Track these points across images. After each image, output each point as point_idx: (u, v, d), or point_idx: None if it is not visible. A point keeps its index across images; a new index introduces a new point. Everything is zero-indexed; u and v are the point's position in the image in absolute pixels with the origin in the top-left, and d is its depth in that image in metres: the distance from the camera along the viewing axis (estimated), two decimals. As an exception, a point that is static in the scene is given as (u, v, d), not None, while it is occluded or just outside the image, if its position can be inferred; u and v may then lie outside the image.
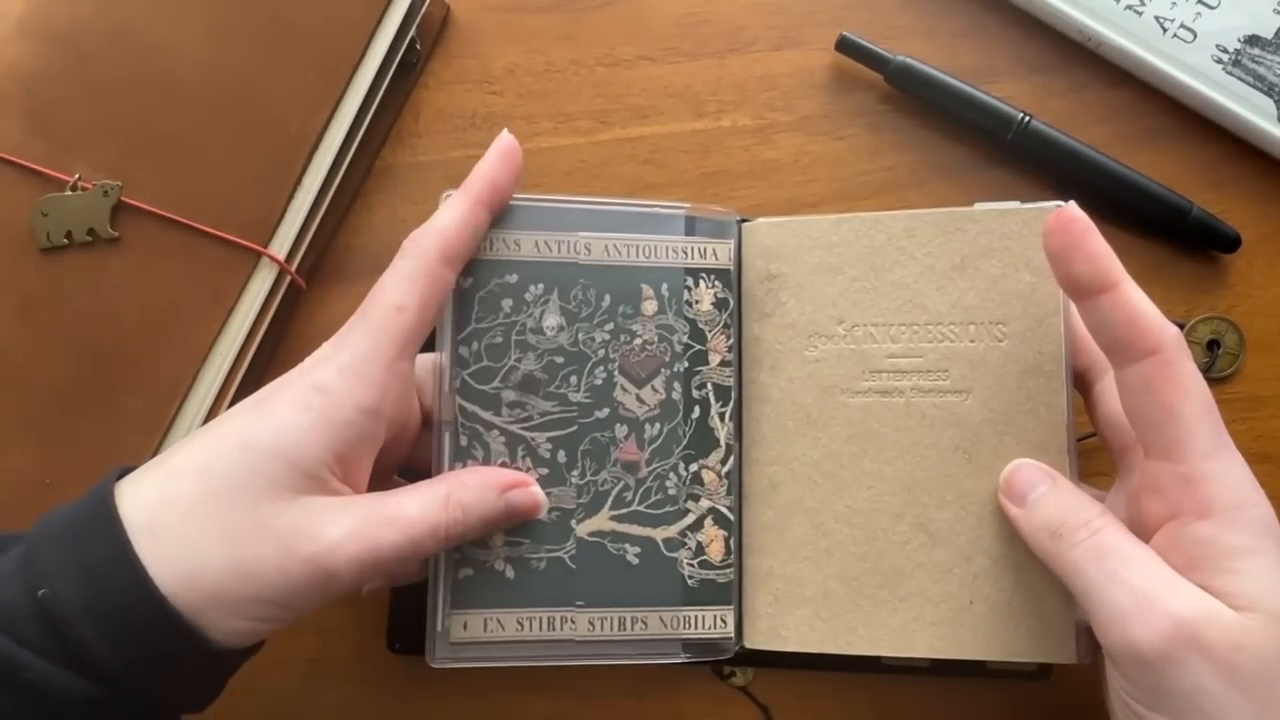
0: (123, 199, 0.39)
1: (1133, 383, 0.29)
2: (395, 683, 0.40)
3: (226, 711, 0.31)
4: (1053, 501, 0.31)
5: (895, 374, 0.35)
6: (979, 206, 0.35)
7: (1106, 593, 0.28)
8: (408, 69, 0.43)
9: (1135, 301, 0.29)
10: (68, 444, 0.39)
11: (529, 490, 0.33)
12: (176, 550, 0.27)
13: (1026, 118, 0.40)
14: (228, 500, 0.28)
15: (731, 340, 0.37)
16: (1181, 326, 0.39)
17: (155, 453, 0.38)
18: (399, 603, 0.39)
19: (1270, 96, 0.40)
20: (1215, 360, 0.40)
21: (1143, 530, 0.30)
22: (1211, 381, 0.40)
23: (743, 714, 0.39)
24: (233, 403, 0.40)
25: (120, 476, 0.29)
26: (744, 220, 0.38)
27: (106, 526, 0.28)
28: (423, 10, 0.43)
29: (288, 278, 0.41)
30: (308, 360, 0.31)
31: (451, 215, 0.33)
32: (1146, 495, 0.30)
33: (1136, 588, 0.28)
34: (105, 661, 0.26)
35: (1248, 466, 0.29)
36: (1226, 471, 0.28)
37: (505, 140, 0.34)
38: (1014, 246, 0.34)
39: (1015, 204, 0.35)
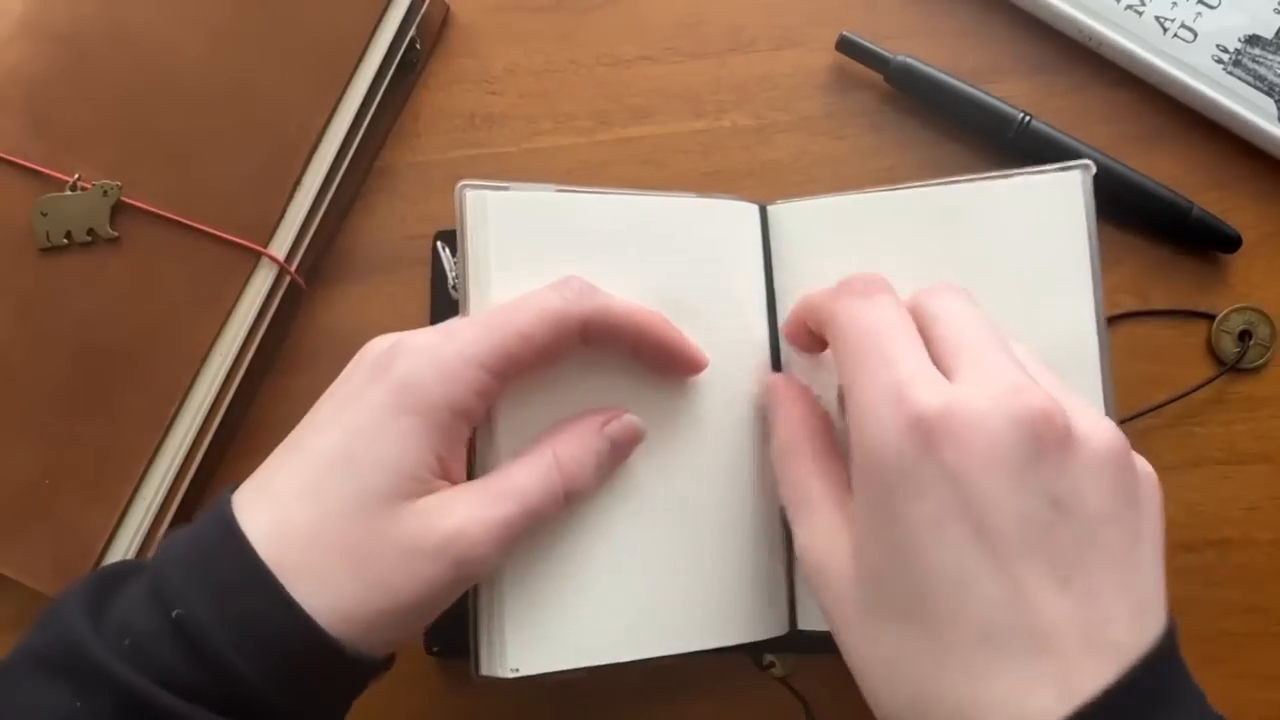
0: (123, 199, 0.39)
1: None
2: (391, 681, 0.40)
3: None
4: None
5: None
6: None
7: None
8: (408, 69, 0.43)
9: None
10: (68, 444, 0.38)
11: (623, 420, 0.32)
12: (304, 580, 0.27)
13: (1027, 118, 0.40)
14: (344, 520, 0.28)
15: None
16: (1213, 317, 0.40)
17: (154, 452, 0.39)
18: None
19: (1271, 96, 0.40)
20: (1246, 351, 0.39)
21: None
22: (1241, 373, 0.40)
23: (784, 702, 0.39)
24: (233, 403, 0.40)
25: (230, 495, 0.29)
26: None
27: (237, 552, 0.27)
28: (423, 10, 0.43)
29: (288, 278, 0.41)
30: (395, 339, 0.30)
31: (632, 305, 0.31)
32: None
33: None
34: (247, 681, 0.26)
35: None
36: None
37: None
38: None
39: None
